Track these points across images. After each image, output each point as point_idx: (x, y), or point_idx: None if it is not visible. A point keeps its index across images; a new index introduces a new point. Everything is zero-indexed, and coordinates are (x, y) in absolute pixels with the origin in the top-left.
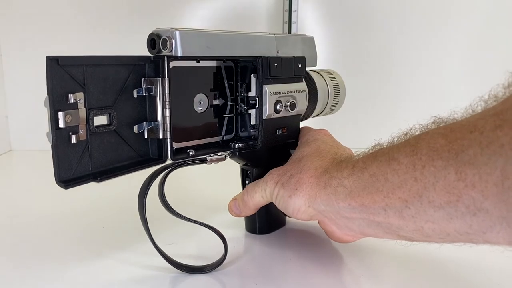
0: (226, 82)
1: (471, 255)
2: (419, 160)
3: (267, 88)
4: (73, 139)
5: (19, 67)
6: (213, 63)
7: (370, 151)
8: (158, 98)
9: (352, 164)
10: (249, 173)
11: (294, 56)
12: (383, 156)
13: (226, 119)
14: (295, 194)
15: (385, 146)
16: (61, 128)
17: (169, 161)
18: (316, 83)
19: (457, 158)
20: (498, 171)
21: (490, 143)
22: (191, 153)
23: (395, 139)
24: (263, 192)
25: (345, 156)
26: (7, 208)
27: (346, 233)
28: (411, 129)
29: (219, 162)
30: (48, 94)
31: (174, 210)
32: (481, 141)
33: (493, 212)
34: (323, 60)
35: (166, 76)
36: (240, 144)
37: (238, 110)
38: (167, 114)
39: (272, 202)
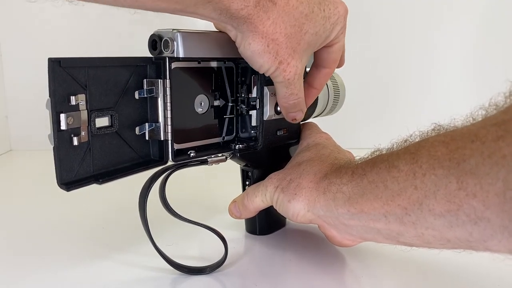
0: (227, 83)
1: (471, 256)
2: (420, 168)
3: (268, 89)
4: (75, 141)
5: (19, 67)
6: (214, 64)
7: (369, 157)
8: (159, 99)
9: (351, 170)
10: (250, 174)
11: None
12: (383, 163)
13: (226, 120)
14: (294, 199)
15: (384, 153)
16: (63, 130)
17: (170, 163)
18: None
19: (459, 167)
20: (500, 181)
21: (492, 153)
22: (192, 154)
23: (395, 146)
24: (263, 197)
25: (344, 161)
26: (7, 208)
27: (346, 237)
28: (410, 136)
29: (220, 163)
30: (50, 96)
31: (175, 212)
32: (482, 151)
33: (495, 222)
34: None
35: (168, 77)
36: (240, 145)
37: (238, 111)
38: (169, 115)
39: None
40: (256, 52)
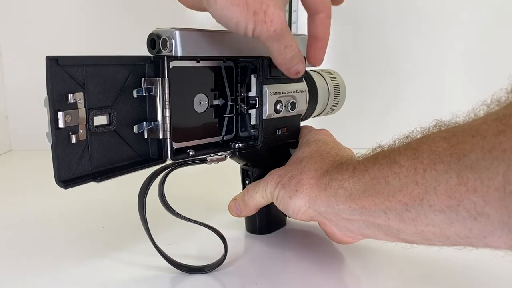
0: (226, 82)
1: (471, 255)
2: (421, 164)
3: (267, 88)
4: (73, 139)
5: (19, 67)
6: (213, 63)
7: (371, 153)
8: (158, 98)
9: (353, 166)
10: (249, 173)
11: None
12: (384, 158)
13: (226, 119)
14: (295, 195)
15: (386, 149)
16: (61, 128)
17: (169, 161)
18: (316, 83)
19: (459, 162)
20: (500, 176)
21: (493, 148)
22: (191, 153)
23: (396, 142)
24: (264, 193)
25: (346, 157)
26: (7, 208)
27: (346, 234)
28: (412, 132)
29: (219, 162)
30: (47, 94)
31: (174, 210)
32: (483, 145)
33: (494, 217)
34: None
35: (166, 76)
36: (240, 144)
37: (238, 110)
38: (167, 114)
39: (272, 202)
40: (225, 9)
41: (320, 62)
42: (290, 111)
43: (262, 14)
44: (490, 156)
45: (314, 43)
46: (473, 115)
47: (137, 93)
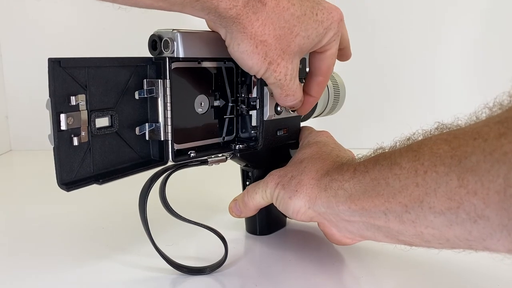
0: (227, 83)
1: (471, 256)
2: (421, 166)
3: (268, 89)
4: (75, 141)
5: (19, 67)
6: (214, 64)
7: (372, 155)
8: (159, 99)
9: (353, 167)
10: (250, 174)
11: None
12: (385, 160)
13: (226, 120)
14: (295, 196)
15: (387, 150)
16: (63, 131)
17: (170, 163)
18: None
19: (460, 164)
20: (501, 179)
21: (494, 150)
22: (192, 154)
23: (397, 144)
24: (264, 193)
25: (346, 159)
26: (7, 208)
27: (346, 235)
28: (413, 134)
29: (220, 163)
30: (50, 96)
31: (175, 212)
32: (484, 148)
33: (494, 220)
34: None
35: (168, 78)
36: (240, 145)
37: (238, 111)
38: (169, 115)
39: (272, 203)
40: (245, 53)
41: (305, 113)
42: (291, 112)
43: (275, 65)
44: (491, 159)
45: (306, 98)
46: (475, 117)
47: (138, 95)
